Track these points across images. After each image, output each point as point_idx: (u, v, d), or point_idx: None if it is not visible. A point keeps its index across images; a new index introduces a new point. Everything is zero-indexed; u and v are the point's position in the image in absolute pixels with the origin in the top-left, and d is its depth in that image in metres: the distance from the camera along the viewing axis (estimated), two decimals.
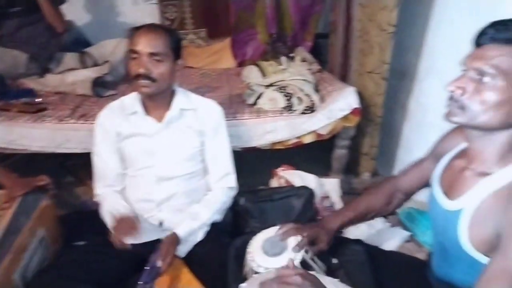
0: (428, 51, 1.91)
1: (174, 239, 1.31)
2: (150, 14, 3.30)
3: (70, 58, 2.48)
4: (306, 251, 1.11)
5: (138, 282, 1.15)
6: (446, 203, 0.94)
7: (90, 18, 3.24)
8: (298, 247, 1.10)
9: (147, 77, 1.29)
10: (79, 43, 2.72)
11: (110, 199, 1.42)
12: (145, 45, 1.28)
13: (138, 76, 1.29)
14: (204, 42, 3.23)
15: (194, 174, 1.47)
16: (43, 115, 1.88)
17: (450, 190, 0.95)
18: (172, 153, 1.42)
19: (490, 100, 0.80)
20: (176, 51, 1.35)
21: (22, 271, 1.28)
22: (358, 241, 1.32)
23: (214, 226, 1.44)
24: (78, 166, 2.23)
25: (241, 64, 2.86)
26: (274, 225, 1.22)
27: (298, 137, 1.92)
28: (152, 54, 1.28)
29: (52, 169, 1.62)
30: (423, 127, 1.95)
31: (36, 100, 2.06)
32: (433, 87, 1.86)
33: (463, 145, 0.98)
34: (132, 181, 1.45)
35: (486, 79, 0.80)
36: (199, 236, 1.39)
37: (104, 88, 2.28)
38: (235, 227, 1.60)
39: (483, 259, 0.86)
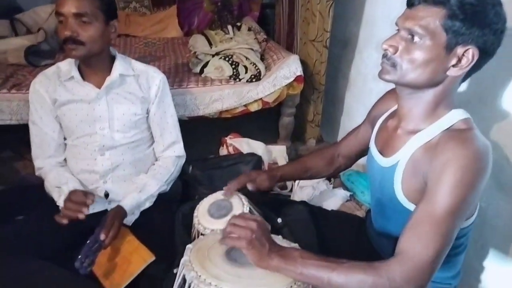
0: (367, 21, 1.95)
1: (119, 212, 1.26)
2: None
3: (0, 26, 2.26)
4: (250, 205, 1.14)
5: (78, 257, 1.10)
6: (382, 161, 0.99)
7: None
8: (237, 183, 1.14)
9: (74, 40, 1.20)
10: (9, 9, 2.48)
11: (54, 172, 1.34)
12: (69, 6, 1.18)
13: (66, 40, 1.20)
14: (148, 10, 3.08)
15: (139, 142, 1.42)
16: None
17: (385, 149, 1.00)
18: (114, 120, 1.35)
19: (418, 58, 0.83)
20: (107, 11, 1.25)
21: None
22: (302, 202, 1.37)
23: (162, 195, 1.42)
24: (17, 140, 2.07)
25: (188, 33, 2.77)
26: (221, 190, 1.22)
27: (245, 105, 1.91)
28: (78, 15, 1.19)
29: None
30: (363, 95, 2.02)
31: None
32: (372, 56, 1.91)
33: (395, 107, 1.03)
34: (73, 150, 1.37)
35: (416, 38, 0.83)
36: (146, 205, 1.36)
37: (39, 57, 2.10)
38: (184, 196, 1.59)
39: None
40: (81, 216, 1.14)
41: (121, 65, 1.36)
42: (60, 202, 1.25)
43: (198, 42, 2.26)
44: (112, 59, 1.36)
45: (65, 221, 1.16)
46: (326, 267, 0.79)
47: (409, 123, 0.94)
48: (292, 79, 1.89)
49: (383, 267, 0.78)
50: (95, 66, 1.31)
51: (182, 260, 0.87)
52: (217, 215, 1.15)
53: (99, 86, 1.33)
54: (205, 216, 1.16)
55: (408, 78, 0.86)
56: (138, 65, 1.42)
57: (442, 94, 0.88)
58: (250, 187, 1.19)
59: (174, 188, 1.50)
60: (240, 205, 1.17)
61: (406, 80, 0.87)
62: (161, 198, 1.41)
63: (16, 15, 2.38)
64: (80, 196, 1.18)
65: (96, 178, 1.37)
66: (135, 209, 1.32)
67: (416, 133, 0.92)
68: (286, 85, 1.90)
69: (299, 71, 1.89)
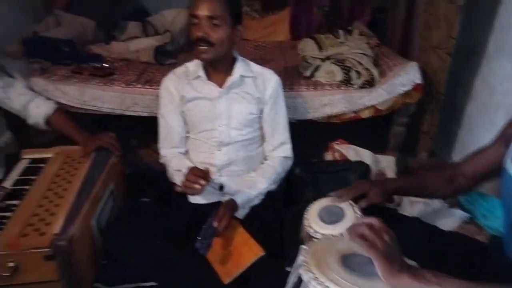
0: (501, 28, 1.77)
1: (232, 205, 1.34)
2: None
3: (133, 27, 2.56)
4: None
5: (197, 237, 1.21)
6: None
7: None
8: (350, 192, 1.12)
9: (205, 41, 1.30)
10: (139, 12, 2.79)
11: (177, 159, 1.48)
12: (204, 9, 1.29)
13: (198, 41, 1.31)
14: (258, 14, 3.19)
15: (252, 141, 1.50)
16: (112, 79, 1.96)
17: None
18: (231, 118, 1.44)
19: None
20: (234, 16, 1.34)
21: (97, 218, 1.39)
22: (415, 219, 1.30)
23: (270, 193, 1.47)
24: (142, 130, 2.32)
25: (295, 37, 2.81)
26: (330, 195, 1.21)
27: (355, 112, 1.88)
28: (210, 18, 1.29)
29: (119, 132, 1.70)
30: (488, 108, 1.84)
31: (104, 65, 2.15)
32: (504, 67, 1.73)
33: None
34: (195, 144, 1.50)
35: None
36: (255, 202, 1.42)
37: (165, 57, 2.33)
38: (289, 196, 1.62)
39: None
40: (197, 187, 1.22)
41: (242, 67, 1.45)
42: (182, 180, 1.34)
43: (307, 46, 2.28)
44: (233, 61, 1.46)
45: (179, 189, 1.27)
46: None
47: None
48: (409, 87, 1.80)
49: None
50: (219, 67, 1.42)
51: (298, 260, 0.89)
52: (328, 220, 1.15)
53: (221, 86, 1.43)
54: (315, 220, 1.18)
55: None
56: (256, 68, 1.50)
57: None
58: (363, 204, 1.16)
59: (279, 187, 1.54)
60: (352, 213, 1.16)
61: None
62: (269, 196, 1.46)
63: (148, 18, 2.67)
64: (200, 171, 1.27)
65: (213, 170, 1.47)
66: (245, 204, 1.39)
67: None
68: (402, 93, 1.82)
69: (418, 79, 1.79)
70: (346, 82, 1.88)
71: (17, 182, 1.45)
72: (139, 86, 1.91)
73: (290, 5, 2.87)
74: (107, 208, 1.50)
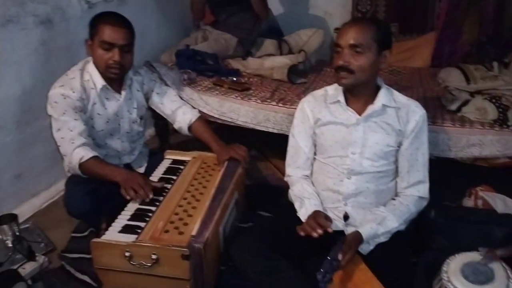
0: None
1: (357, 238, 1.30)
2: (343, 6, 3.31)
3: (269, 44, 2.70)
4: None
5: (320, 270, 1.19)
6: None
7: (284, 8, 3.45)
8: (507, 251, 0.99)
9: (345, 68, 1.32)
10: (273, 31, 2.93)
11: (300, 184, 1.50)
12: (348, 37, 1.31)
13: (338, 68, 1.33)
14: (395, 37, 3.09)
15: (384, 173, 1.44)
16: (249, 94, 2.10)
17: None
18: (366, 147, 1.41)
19: None
20: (381, 42, 1.33)
21: (224, 225, 1.48)
22: None
23: (397, 232, 1.39)
24: (263, 143, 2.44)
25: (436, 64, 2.63)
26: (469, 249, 1.14)
27: (510, 157, 1.66)
28: (353, 46, 1.30)
29: (239, 142, 1.81)
30: None
31: (242, 80, 2.31)
32: None
33: None
34: (323, 168, 1.50)
35: None
36: (381, 240, 1.36)
37: (297, 76, 2.40)
38: (417, 239, 1.51)
39: None
40: (314, 235, 1.25)
41: (385, 96, 1.40)
42: (301, 214, 1.40)
43: (451, 76, 2.12)
44: (377, 88, 1.42)
45: (302, 234, 1.29)
46: None
47: None
48: None
49: None
50: (359, 94, 1.41)
51: None
52: (473, 279, 1.06)
53: (359, 113, 1.41)
54: (457, 276, 1.08)
55: None
56: (401, 98, 1.44)
57: None
58: None
59: (407, 228, 1.44)
60: (503, 277, 1.03)
61: None
62: (396, 236, 1.38)
63: (284, 36, 2.80)
64: (322, 220, 1.29)
65: (338, 198, 1.45)
66: (371, 239, 1.34)
67: None
68: None
69: None
70: (501, 122, 1.68)
71: (160, 180, 1.63)
72: (273, 103, 2.00)
73: (437, 30, 2.70)
74: (231, 217, 1.59)
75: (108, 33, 1.52)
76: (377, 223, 1.35)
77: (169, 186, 1.58)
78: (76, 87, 1.57)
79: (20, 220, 1.67)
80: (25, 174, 1.89)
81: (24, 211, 1.85)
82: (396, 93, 1.45)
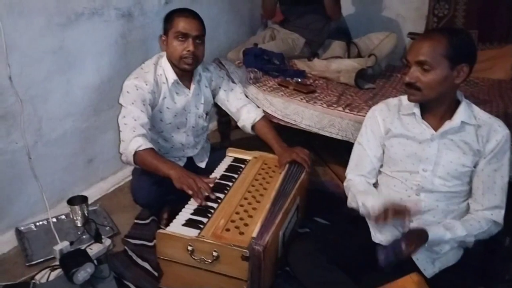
0: None
1: (422, 234, 1.25)
2: (417, 9, 3.18)
3: (336, 46, 2.66)
4: None
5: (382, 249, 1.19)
6: None
7: (354, 9, 3.37)
8: None
9: (412, 85, 1.29)
10: (341, 32, 2.87)
11: (362, 184, 1.46)
12: (414, 54, 1.27)
13: (406, 85, 1.31)
14: None
15: (456, 194, 1.36)
16: (314, 97, 2.08)
17: None
18: (439, 165, 1.34)
19: None
20: (454, 57, 1.24)
21: (284, 230, 1.49)
22: None
23: (463, 261, 1.33)
24: (323, 147, 2.41)
25: None
26: None
27: None
28: (419, 63, 1.26)
29: (298, 144, 1.78)
30: None
31: (307, 82, 2.30)
32: None
33: None
34: (389, 181, 1.45)
35: None
36: (444, 249, 1.29)
37: (364, 80, 2.34)
38: (487, 268, 1.42)
39: None
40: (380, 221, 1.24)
41: (465, 112, 1.32)
42: (368, 202, 1.35)
43: None
44: (456, 103, 1.35)
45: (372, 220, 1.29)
46: None
47: None
48: None
49: None
50: (434, 109, 1.34)
51: None
52: None
53: (435, 128, 1.34)
54: None
55: None
56: (482, 115, 1.35)
57: None
58: None
59: (475, 256, 1.36)
60: None
61: None
62: (462, 263, 1.32)
63: (352, 39, 2.74)
64: (402, 208, 1.25)
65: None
66: (435, 244, 1.28)
67: None
68: None
69: None
70: None
71: (222, 177, 1.68)
72: (339, 108, 1.96)
73: None
74: (292, 222, 1.59)
75: (183, 24, 1.62)
76: (445, 228, 1.28)
77: (230, 184, 1.61)
78: (149, 80, 1.66)
79: (89, 202, 1.80)
80: (96, 159, 2.02)
81: (93, 193, 1.98)
82: (477, 109, 1.37)
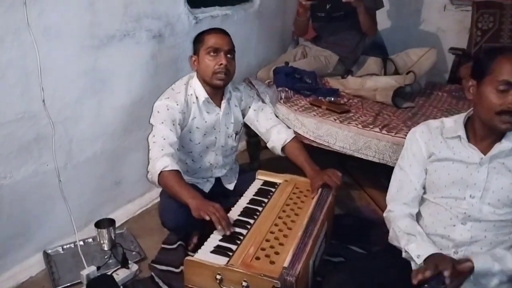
0: None
1: (468, 268, 1.17)
2: (459, 22, 3.12)
3: (372, 63, 2.63)
4: None
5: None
6: None
7: (390, 23, 3.34)
8: None
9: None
10: (376, 48, 2.85)
11: (406, 220, 1.39)
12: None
13: (503, 112, 1.18)
14: None
15: (507, 223, 1.28)
16: (348, 117, 2.05)
17: None
18: (488, 191, 1.27)
19: None
20: None
21: (314, 259, 1.45)
22: None
23: None
24: (358, 169, 2.36)
25: None
26: None
27: None
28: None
29: (331, 166, 1.76)
30: None
31: (341, 101, 2.27)
32: None
33: None
34: (432, 208, 1.38)
35: None
36: (493, 283, 1.21)
37: (403, 99, 2.29)
38: None
39: None
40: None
41: None
42: (410, 249, 1.27)
43: None
44: None
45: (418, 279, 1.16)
46: None
47: None
48: None
49: None
50: (482, 131, 1.28)
51: None
52: None
53: (484, 151, 1.28)
54: None
55: None
56: None
57: None
58: None
59: None
60: None
61: None
62: None
63: (389, 55, 2.70)
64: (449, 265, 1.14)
65: (448, 245, 1.32)
66: (481, 276, 1.20)
67: None
68: None
69: None
70: None
71: (251, 201, 1.66)
72: (375, 129, 1.92)
73: None
74: (321, 249, 1.55)
75: (214, 40, 1.69)
76: (493, 259, 1.20)
77: (260, 208, 1.60)
78: (180, 101, 1.71)
79: (116, 224, 1.83)
80: (124, 181, 2.07)
81: (120, 216, 2.01)
82: None
